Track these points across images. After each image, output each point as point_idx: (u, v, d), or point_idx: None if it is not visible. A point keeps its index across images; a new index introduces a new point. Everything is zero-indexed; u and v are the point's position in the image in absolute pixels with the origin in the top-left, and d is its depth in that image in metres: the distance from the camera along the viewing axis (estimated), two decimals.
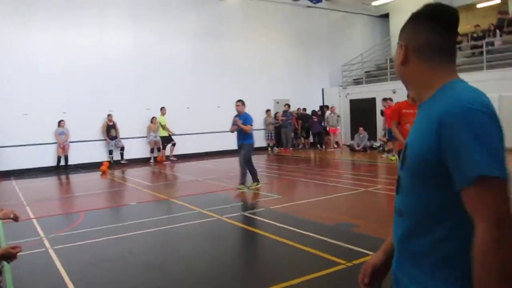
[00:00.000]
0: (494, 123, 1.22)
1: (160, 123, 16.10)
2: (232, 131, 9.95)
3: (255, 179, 9.47)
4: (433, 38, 1.40)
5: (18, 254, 3.09)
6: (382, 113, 15.06)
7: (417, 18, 1.45)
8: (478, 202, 1.19)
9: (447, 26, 1.40)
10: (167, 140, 16.30)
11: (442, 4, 1.42)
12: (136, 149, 16.12)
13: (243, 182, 9.34)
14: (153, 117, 16.15)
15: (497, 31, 17.01)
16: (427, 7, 1.43)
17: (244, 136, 9.53)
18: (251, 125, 9.78)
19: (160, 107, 16.22)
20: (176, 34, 17.03)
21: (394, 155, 13.76)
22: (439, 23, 1.39)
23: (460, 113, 1.22)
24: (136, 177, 12.74)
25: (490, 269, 1.15)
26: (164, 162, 15.89)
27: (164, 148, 16.40)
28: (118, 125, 15.59)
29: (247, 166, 9.31)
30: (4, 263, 4.73)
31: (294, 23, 20.45)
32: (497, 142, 1.20)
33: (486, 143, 1.18)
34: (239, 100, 9.97)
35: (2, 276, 4.60)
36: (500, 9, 18.40)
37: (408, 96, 6.09)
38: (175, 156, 16.60)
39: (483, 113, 1.22)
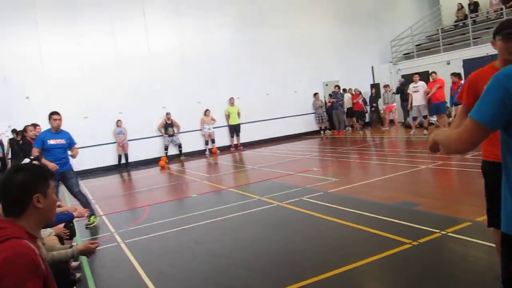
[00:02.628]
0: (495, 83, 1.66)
1: (233, 112, 16.94)
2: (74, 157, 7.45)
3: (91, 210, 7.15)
4: None
5: (96, 248, 3.30)
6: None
7: None
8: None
9: None
10: (236, 128, 17.11)
11: None
12: (190, 142, 16.51)
13: (92, 212, 7.24)
14: (206, 110, 16.48)
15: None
16: None
17: (66, 159, 7.23)
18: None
19: (229, 98, 17.00)
20: (217, 26, 17.17)
21: (446, 129, 13.26)
22: None
23: None
24: (194, 169, 13.07)
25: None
26: (232, 150, 16.54)
27: (232, 136, 17.15)
28: (177, 123, 16.03)
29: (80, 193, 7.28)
30: (81, 258, 5.07)
31: (338, 1, 20.06)
32: (488, 96, 1.66)
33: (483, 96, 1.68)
34: (55, 113, 7.13)
35: (80, 271, 4.93)
36: None
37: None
38: (241, 144, 17.13)
39: (495, 77, 1.67)
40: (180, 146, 16.11)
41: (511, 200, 1.71)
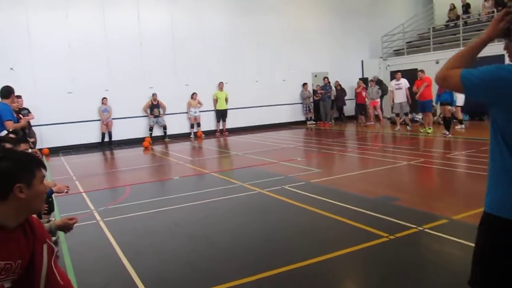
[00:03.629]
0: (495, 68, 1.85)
1: (221, 97, 16.85)
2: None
3: None
4: None
5: (74, 225, 3.27)
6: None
7: None
8: None
9: None
10: (223, 113, 17.03)
11: None
12: (176, 124, 16.41)
13: None
14: (193, 93, 16.37)
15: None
16: None
17: None
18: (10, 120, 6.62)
19: (218, 82, 16.87)
20: (210, 9, 16.99)
21: (430, 128, 13.47)
22: None
23: None
24: (178, 152, 13.02)
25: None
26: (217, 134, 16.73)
27: (218, 121, 17.08)
28: (164, 104, 15.90)
29: None
30: (58, 234, 5.03)
31: None
32: (483, 72, 1.87)
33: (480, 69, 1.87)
34: None
35: (57, 247, 4.89)
36: None
37: None
38: (226, 129, 17.10)
39: (497, 65, 1.86)
40: (165, 128, 16.01)
41: (496, 181, 1.88)
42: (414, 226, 4.89)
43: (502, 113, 1.85)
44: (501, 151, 1.86)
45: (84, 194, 7.65)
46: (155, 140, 15.61)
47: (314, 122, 18.90)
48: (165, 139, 15.94)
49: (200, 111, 16.61)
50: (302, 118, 19.18)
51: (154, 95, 15.66)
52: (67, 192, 4.67)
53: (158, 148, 14.14)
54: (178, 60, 16.29)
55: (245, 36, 17.65)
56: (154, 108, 15.72)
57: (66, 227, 3.14)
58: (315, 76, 19.37)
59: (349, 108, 19.61)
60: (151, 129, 15.75)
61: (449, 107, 12.91)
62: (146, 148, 13.90)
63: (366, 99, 18.17)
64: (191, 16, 16.63)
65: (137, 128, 15.74)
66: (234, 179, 8.21)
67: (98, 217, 6.11)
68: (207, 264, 4.30)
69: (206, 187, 7.85)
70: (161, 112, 15.90)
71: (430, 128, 13.51)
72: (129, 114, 15.65)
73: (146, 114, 15.80)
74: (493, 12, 17.44)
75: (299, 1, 19.11)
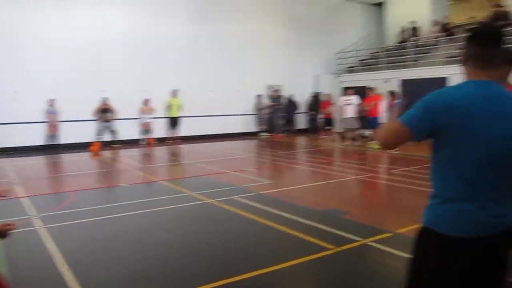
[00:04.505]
0: (424, 102, 1.95)
1: (174, 104, 16.67)
2: None
3: None
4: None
5: (12, 231, 3.11)
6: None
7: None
8: None
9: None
10: (175, 121, 16.84)
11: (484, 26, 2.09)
12: (126, 130, 16.05)
13: None
14: (146, 99, 16.10)
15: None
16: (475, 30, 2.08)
17: None
18: None
19: (172, 89, 16.67)
20: (168, 15, 16.87)
21: (377, 144, 13.93)
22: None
23: None
24: (127, 158, 12.73)
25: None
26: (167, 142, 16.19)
27: (170, 129, 16.91)
28: (114, 108, 15.50)
29: None
30: None
31: (289, 8, 20.35)
32: (417, 108, 1.95)
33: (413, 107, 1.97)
34: None
35: None
36: (495, 2, 18.44)
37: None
38: (178, 137, 16.88)
39: (425, 97, 1.96)
40: (115, 133, 15.61)
41: (437, 199, 1.99)
42: (359, 239, 5.01)
43: (451, 138, 1.91)
44: (446, 174, 1.96)
45: (25, 199, 7.31)
46: (104, 145, 15.18)
47: (267, 134, 19.05)
48: (115, 144, 15.54)
49: (153, 118, 16.35)
50: (256, 129, 19.29)
51: (105, 99, 15.25)
52: (4, 196, 4.44)
53: (107, 153, 13.76)
54: (132, 65, 15.98)
55: (202, 44, 17.61)
56: (104, 112, 15.30)
57: (2, 234, 2.98)
58: (270, 88, 19.58)
59: (301, 121, 19.95)
60: (100, 133, 15.31)
61: None
62: (94, 153, 13.49)
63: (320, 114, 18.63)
64: (148, 21, 16.41)
65: (86, 132, 15.20)
66: (184, 188, 8.11)
67: (39, 223, 5.85)
68: (153, 274, 4.20)
69: (155, 195, 7.71)
70: (112, 117, 15.50)
71: (376, 144, 13.94)
72: (77, 117, 15.13)
73: (96, 118, 15.35)
74: (439, 36, 18.35)
75: (259, 13, 19.34)
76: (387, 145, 2.11)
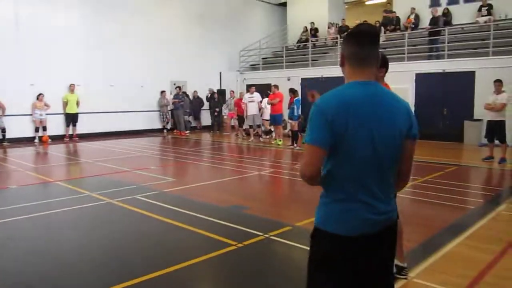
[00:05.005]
0: (317, 112, 1.94)
1: (72, 100, 15.82)
2: None
3: None
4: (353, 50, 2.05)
5: None
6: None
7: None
8: None
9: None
10: (73, 117, 16.00)
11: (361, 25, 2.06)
12: (17, 127, 14.85)
13: None
14: (40, 94, 15.00)
15: (382, 28, 18.39)
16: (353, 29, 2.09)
17: None
18: None
19: (69, 84, 15.82)
20: (65, 5, 15.86)
21: (281, 140, 14.42)
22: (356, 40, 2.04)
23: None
24: (18, 158, 11.77)
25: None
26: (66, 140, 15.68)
27: (68, 125, 15.99)
28: (2, 104, 14.23)
29: None
30: None
31: (194, 4, 20.20)
32: (314, 123, 1.93)
33: (310, 123, 1.96)
34: None
35: None
36: (386, 8, 19.91)
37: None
38: (77, 135, 15.97)
39: (316, 106, 1.97)
40: (3, 131, 14.37)
41: (326, 199, 2.06)
42: (261, 233, 5.13)
43: (339, 139, 1.92)
44: (333, 174, 1.99)
45: None
46: None
47: (170, 130, 18.76)
48: (4, 143, 14.32)
49: (47, 114, 15.30)
50: (159, 126, 18.91)
51: None
52: None
53: None
54: (22, 56, 14.77)
55: (103, 36, 16.80)
56: None
57: None
58: (174, 84, 19.30)
59: (206, 118, 19.95)
60: None
61: (291, 121, 13.87)
62: None
63: (225, 110, 18.73)
64: (40, 7, 15.25)
65: None
66: (81, 188, 7.71)
67: None
68: (44, 283, 3.94)
69: (49, 197, 7.24)
70: (0, 113, 14.24)
71: (280, 140, 14.40)
72: None
73: None
74: (336, 38, 19.37)
75: (163, 7, 18.94)
76: (311, 176, 1.96)
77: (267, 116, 15.55)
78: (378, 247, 2.03)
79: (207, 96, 19.29)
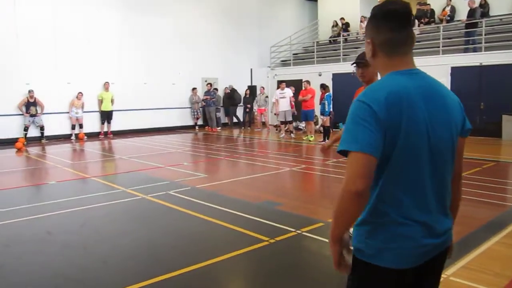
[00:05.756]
0: (364, 110, 1.54)
1: (107, 98, 16.16)
2: None
3: None
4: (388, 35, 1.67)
5: None
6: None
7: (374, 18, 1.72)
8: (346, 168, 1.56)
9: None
10: (108, 115, 16.35)
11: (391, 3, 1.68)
12: (55, 125, 15.30)
13: None
14: (79, 92, 15.44)
15: (416, 21, 17.98)
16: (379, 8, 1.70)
17: None
18: None
19: (104, 82, 16.18)
20: (97, 5, 16.20)
21: (312, 136, 14.32)
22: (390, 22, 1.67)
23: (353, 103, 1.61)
24: (55, 154, 12.15)
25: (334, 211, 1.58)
26: (100, 137, 16.04)
27: (103, 123, 16.33)
28: (42, 102, 14.70)
29: None
30: None
31: (226, 0, 20.27)
32: (360, 124, 1.53)
33: (353, 124, 1.56)
34: None
35: None
36: (419, 1, 19.44)
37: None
38: (112, 132, 16.39)
39: (360, 101, 1.57)
40: (42, 128, 14.85)
41: (370, 225, 1.64)
42: (293, 229, 5.12)
43: (389, 141, 1.55)
44: (384, 188, 1.60)
45: None
46: (31, 141, 14.41)
47: (202, 127, 18.93)
48: (42, 140, 14.79)
49: (84, 112, 15.71)
50: (191, 123, 19.11)
51: (30, 92, 14.44)
52: None
53: (33, 150, 13.05)
54: (59, 56, 15.21)
55: (135, 35, 17.10)
56: (30, 106, 14.50)
57: None
58: (205, 81, 19.45)
59: (238, 114, 20.02)
60: (26, 129, 14.49)
61: (322, 117, 13.75)
62: (19, 150, 12.75)
63: (255, 106, 18.76)
64: (76, 8, 15.63)
65: (10, 128, 14.35)
66: (116, 184, 7.88)
67: None
68: (81, 274, 4.05)
69: (86, 192, 7.43)
70: (39, 111, 14.71)
71: (312, 136, 14.31)
72: (0, 111, 14.22)
73: (21, 113, 14.51)
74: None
75: (193, 5, 19.08)
76: (362, 192, 1.49)
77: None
78: (428, 276, 1.73)
79: (226, 93, 19.30)
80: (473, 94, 14.39)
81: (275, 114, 16.52)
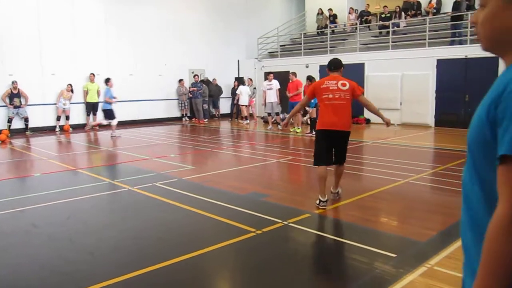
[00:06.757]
0: None
1: (92, 89, 16.02)
2: None
3: None
4: None
5: None
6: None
7: None
8: (503, 183, 1.05)
9: None
10: (93, 106, 16.19)
11: None
12: (39, 116, 15.12)
13: None
14: (68, 84, 15.27)
15: (403, 13, 18.06)
16: None
17: None
18: None
19: (89, 73, 16.03)
20: None
21: (299, 128, 14.35)
22: None
23: None
24: (40, 146, 12.01)
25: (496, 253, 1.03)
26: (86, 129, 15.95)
27: (88, 114, 16.23)
28: (26, 93, 14.48)
29: None
30: None
31: None
32: None
33: None
34: None
35: None
36: None
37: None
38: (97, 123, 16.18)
39: None
40: (26, 120, 14.66)
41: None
42: (280, 220, 5.15)
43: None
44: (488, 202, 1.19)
45: None
46: (15, 133, 14.23)
47: (189, 119, 18.87)
48: (27, 132, 14.61)
49: (70, 104, 15.55)
50: (178, 114, 19.03)
51: (14, 83, 14.23)
52: None
53: (17, 142, 12.89)
54: (43, 46, 15.00)
55: (121, 26, 16.92)
56: (14, 97, 14.30)
57: None
58: (192, 72, 19.34)
59: (225, 106, 19.97)
60: (10, 120, 14.30)
61: (309, 109, 13.77)
62: (3, 142, 12.58)
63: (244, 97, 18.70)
64: (60, 0, 15.41)
65: None
66: (102, 176, 7.83)
67: None
68: (67, 266, 4.04)
69: (71, 184, 7.37)
70: (23, 103, 14.52)
71: (299, 128, 14.34)
72: None
73: (4, 104, 14.30)
74: (356, 24, 19.10)
75: None
76: None
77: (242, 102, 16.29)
78: None
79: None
80: (459, 86, 14.56)
81: (262, 104, 16.53)
